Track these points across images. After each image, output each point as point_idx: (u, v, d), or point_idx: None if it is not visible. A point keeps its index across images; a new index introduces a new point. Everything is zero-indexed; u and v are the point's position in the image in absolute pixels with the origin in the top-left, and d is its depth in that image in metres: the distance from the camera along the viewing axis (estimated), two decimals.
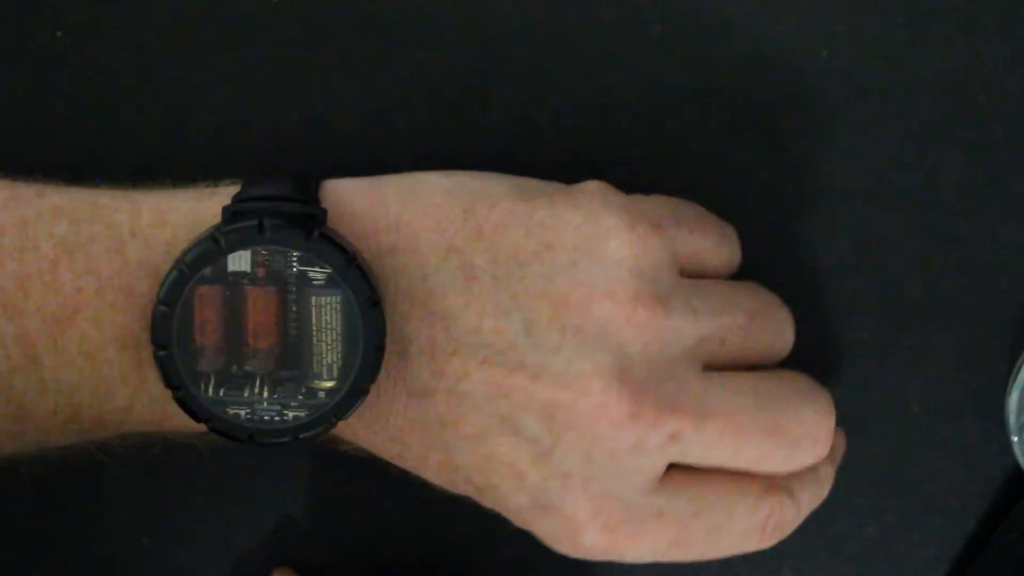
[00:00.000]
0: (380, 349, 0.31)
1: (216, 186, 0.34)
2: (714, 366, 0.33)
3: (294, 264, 0.30)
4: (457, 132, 0.41)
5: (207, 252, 0.30)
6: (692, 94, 0.41)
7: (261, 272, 0.30)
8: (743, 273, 0.39)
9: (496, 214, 0.31)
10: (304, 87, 0.41)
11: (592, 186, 0.33)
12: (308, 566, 0.45)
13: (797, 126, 0.42)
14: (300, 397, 0.31)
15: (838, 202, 0.43)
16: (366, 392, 0.31)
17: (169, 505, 0.45)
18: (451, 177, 0.33)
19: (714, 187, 0.41)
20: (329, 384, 0.31)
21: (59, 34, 0.41)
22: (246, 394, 0.31)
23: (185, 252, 0.30)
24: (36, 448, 0.34)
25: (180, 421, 0.32)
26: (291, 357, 0.31)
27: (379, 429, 0.33)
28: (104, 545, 0.45)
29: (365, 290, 0.30)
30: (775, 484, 0.34)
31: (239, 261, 0.30)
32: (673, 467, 0.33)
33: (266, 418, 0.31)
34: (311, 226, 0.30)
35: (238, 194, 0.32)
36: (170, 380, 0.31)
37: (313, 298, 0.30)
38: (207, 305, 0.30)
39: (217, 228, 0.30)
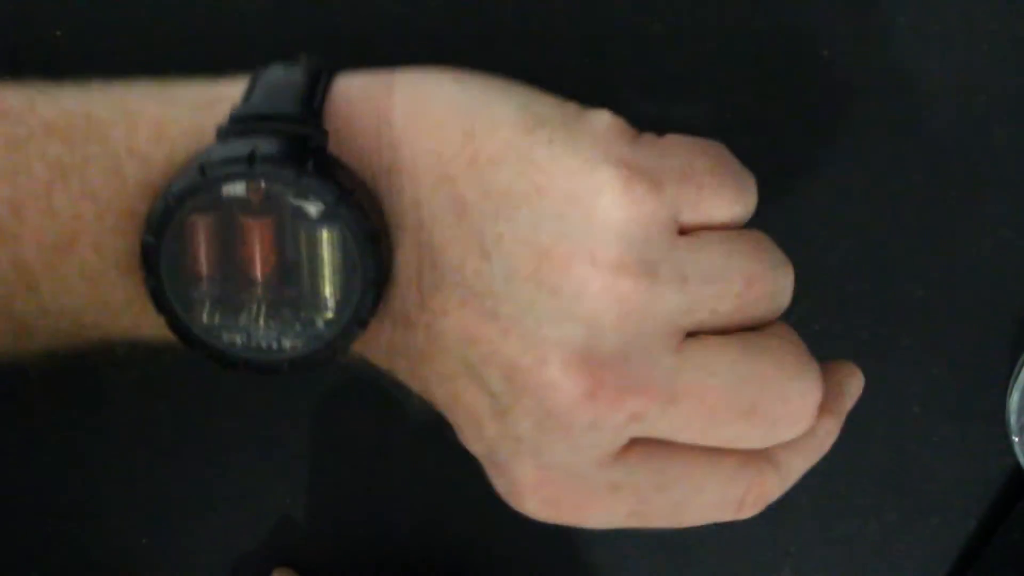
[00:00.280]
0: (379, 283, 0.30)
1: (218, 84, 0.32)
2: (698, 332, 0.31)
3: (290, 194, 0.29)
4: None
5: (195, 184, 0.29)
6: (692, 94, 0.41)
7: (256, 199, 0.29)
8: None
9: (493, 144, 0.30)
10: None
11: (601, 123, 0.31)
12: (308, 566, 0.45)
13: (797, 126, 0.42)
14: (298, 327, 0.30)
15: (838, 202, 0.43)
16: (365, 325, 0.31)
17: (169, 505, 0.45)
18: (462, 84, 0.31)
19: None
20: (328, 316, 0.30)
21: (59, 34, 0.41)
22: (242, 321, 0.30)
23: (172, 182, 0.29)
24: (44, 352, 0.33)
25: None
26: (288, 287, 0.30)
27: (368, 349, 0.33)
28: (104, 545, 0.45)
29: (361, 225, 0.29)
30: (757, 455, 0.31)
31: (233, 188, 0.29)
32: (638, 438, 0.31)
33: (263, 345, 0.30)
34: (305, 157, 0.29)
35: (235, 109, 0.30)
36: (161, 307, 0.30)
37: (309, 230, 0.29)
38: (199, 234, 0.29)
39: (207, 157, 0.29)
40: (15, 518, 0.45)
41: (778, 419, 0.31)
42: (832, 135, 0.42)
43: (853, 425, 0.43)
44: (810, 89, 0.42)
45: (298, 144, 0.29)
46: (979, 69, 0.42)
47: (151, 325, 0.31)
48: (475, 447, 0.33)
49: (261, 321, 0.30)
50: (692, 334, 0.30)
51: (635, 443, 0.30)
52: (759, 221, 0.42)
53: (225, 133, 0.29)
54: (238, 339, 0.30)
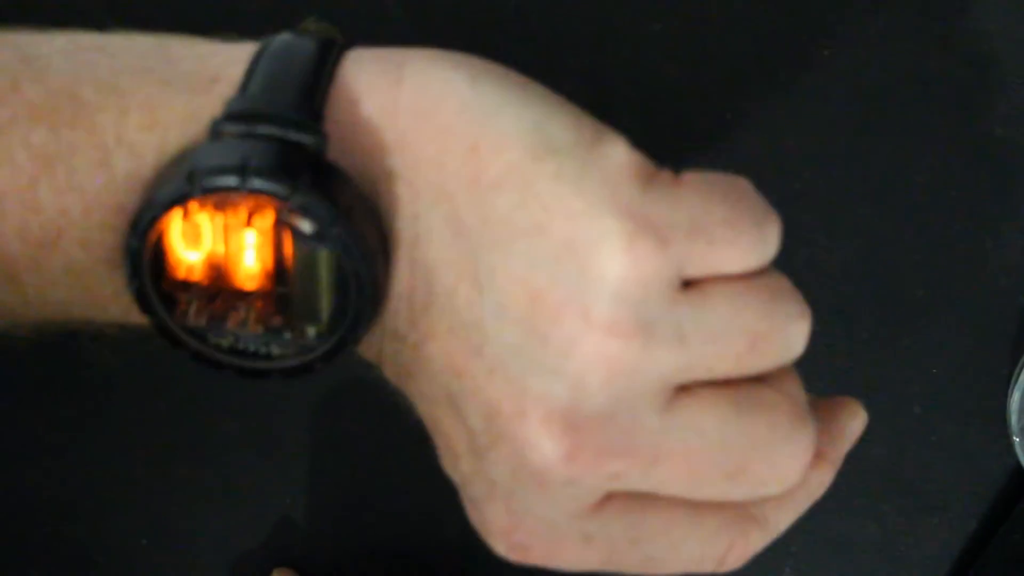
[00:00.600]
0: (375, 302, 0.29)
1: (218, 53, 0.30)
2: (691, 386, 0.29)
3: (283, 210, 0.28)
4: None
5: (182, 193, 0.27)
6: (692, 94, 0.41)
7: (247, 208, 0.28)
8: None
9: (497, 165, 0.28)
10: None
11: (615, 159, 0.28)
12: (308, 566, 0.45)
13: (797, 126, 0.42)
14: (288, 336, 0.30)
15: (838, 202, 0.43)
16: (357, 342, 0.30)
17: (169, 505, 0.45)
18: (476, 87, 0.29)
19: None
20: (320, 328, 0.30)
21: (54, 28, 0.41)
22: (230, 325, 0.29)
23: (160, 186, 0.28)
24: (31, 334, 0.33)
25: None
26: (280, 295, 0.29)
27: (359, 350, 0.32)
28: (104, 545, 0.45)
29: (358, 247, 0.28)
30: (741, 515, 0.30)
31: (222, 195, 0.28)
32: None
33: (251, 350, 0.29)
34: (301, 170, 0.27)
35: (232, 102, 0.28)
36: (146, 308, 0.29)
37: (303, 245, 0.28)
38: (186, 238, 0.28)
39: (196, 162, 0.28)
40: (15, 518, 0.45)
41: (764, 480, 0.29)
42: (832, 135, 0.42)
43: None
44: (810, 89, 0.41)
45: (295, 154, 0.28)
46: (979, 69, 0.42)
47: (140, 315, 0.30)
48: (452, 474, 0.32)
49: (250, 326, 0.29)
50: (683, 387, 0.28)
51: (613, 496, 0.29)
52: None
53: (219, 130, 0.28)
54: (225, 343, 0.30)
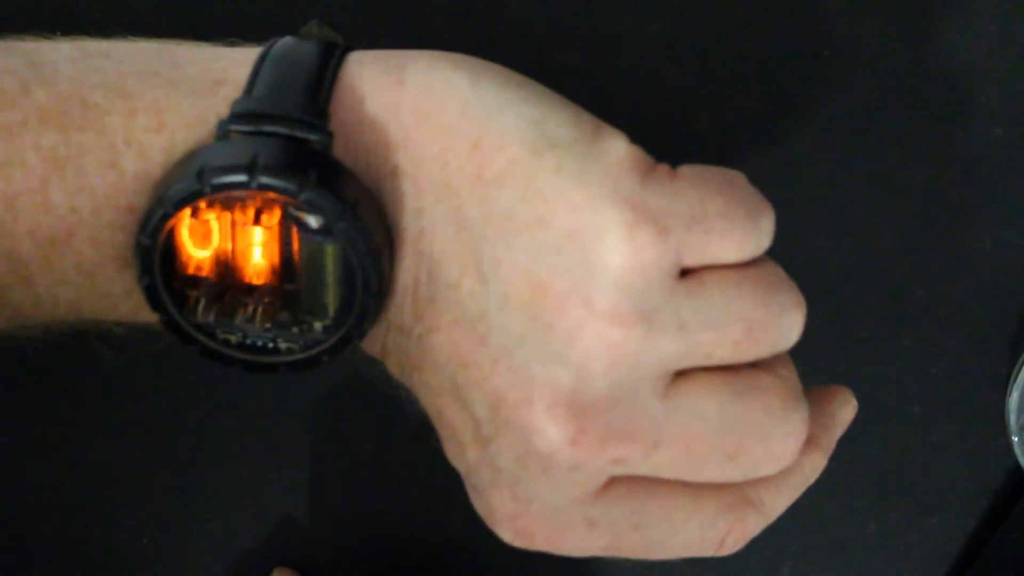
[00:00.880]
0: (380, 295, 0.29)
1: (222, 58, 0.31)
2: (689, 371, 0.30)
3: (291, 206, 0.28)
4: None
5: (192, 191, 0.28)
6: (692, 94, 0.41)
7: (255, 204, 0.28)
8: None
9: (500, 161, 0.29)
10: None
11: (615, 153, 0.29)
12: (308, 566, 0.45)
13: (797, 126, 0.42)
14: (295, 331, 0.30)
15: (838, 202, 0.43)
16: (364, 335, 0.30)
17: (169, 505, 0.45)
18: (476, 86, 0.30)
19: None
20: (327, 322, 0.30)
21: (59, 34, 0.41)
22: (238, 321, 0.30)
23: (169, 184, 0.28)
24: (41, 334, 0.33)
25: None
26: (287, 289, 0.30)
27: (364, 344, 0.33)
28: (104, 545, 0.45)
29: (364, 241, 0.28)
30: (739, 499, 0.31)
31: (232, 192, 0.28)
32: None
33: (259, 345, 0.30)
34: (308, 166, 0.28)
35: (238, 103, 0.29)
36: (156, 305, 0.30)
37: (310, 240, 0.29)
38: (195, 235, 0.29)
39: (205, 160, 0.28)
40: (15, 518, 0.45)
41: (760, 460, 0.30)
42: (832, 135, 0.42)
43: (853, 425, 0.43)
44: (810, 89, 0.41)
45: (301, 151, 0.28)
46: (979, 69, 0.42)
47: (149, 313, 0.30)
48: (456, 463, 0.32)
49: (257, 322, 0.30)
50: (682, 372, 0.30)
51: (615, 481, 0.30)
52: None
53: (225, 130, 0.29)
54: (233, 338, 0.30)
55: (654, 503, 0.30)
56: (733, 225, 0.30)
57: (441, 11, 0.40)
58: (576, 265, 0.28)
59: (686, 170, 0.30)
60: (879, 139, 0.42)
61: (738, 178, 0.31)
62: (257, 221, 0.29)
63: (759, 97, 0.42)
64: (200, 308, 0.30)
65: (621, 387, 0.28)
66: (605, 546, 0.31)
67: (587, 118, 0.30)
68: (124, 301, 0.31)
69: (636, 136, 0.42)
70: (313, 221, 0.29)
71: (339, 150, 0.30)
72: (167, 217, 0.28)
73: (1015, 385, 0.42)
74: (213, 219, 0.29)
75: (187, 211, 0.28)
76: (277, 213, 0.29)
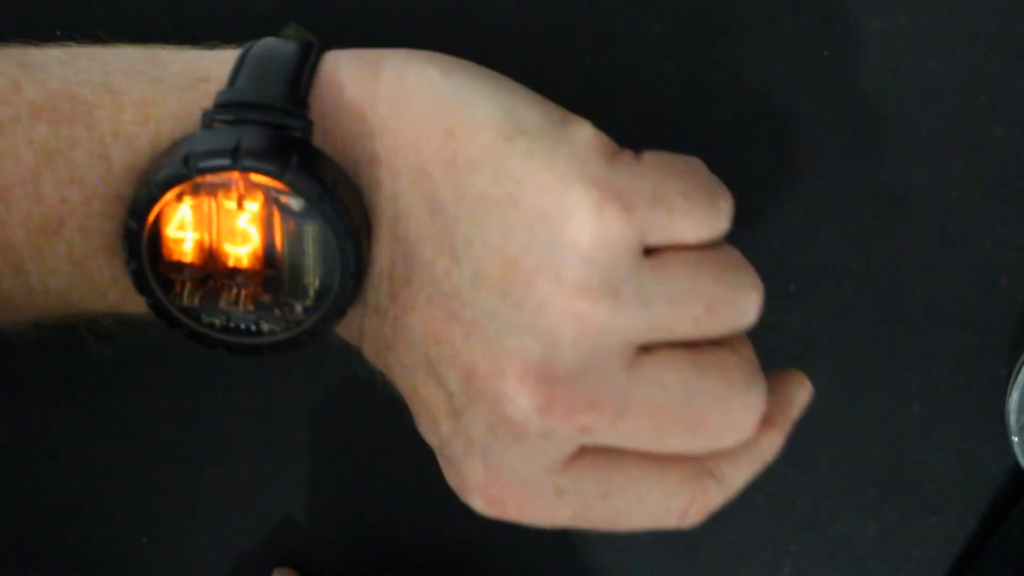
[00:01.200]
0: (358, 275, 0.31)
1: (205, 58, 0.32)
2: (653, 346, 0.31)
3: (273, 189, 0.30)
4: None
5: (178, 174, 0.29)
6: (692, 94, 0.41)
7: (239, 189, 0.30)
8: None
9: (473, 147, 0.30)
10: None
11: (581, 137, 0.31)
12: (308, 566, 0.45)
13: (797, 126, 0.42)
14: (277, 312, 0.31)
15: (838, 202, 0.43)
16: (343, 314, 0.32)
17: (169, 505, 0.45)
18: (448, 77, 0.31)
19: None
20: (307, 303, 0.31)
21: (59, 34, 0.41)
22: (222, 304, 0.31)
23: (156, 169, 0.30)
24: (30, 326, 0.34)
25: None
26: (269, 273, 0.31)
27: (340, 329, 0.34)
28: (104, 545, 0.45)
29: (343, 221, 0.30)
30: (700, 470, 0.32)
31: (216, 177, 0.29)
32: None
33: (242, 327, 0.31)
34: (290, 150, 0.29)
35: (221, 94, 0.30)
36: (143, 289, 0.31)
37: (291, 222, 0.30)
38: (181, 220, 0.30)
39: (191, 146, 0.29)
40: (15, 518, 0.45)
41: (720, 431, 0.32)
42: (832, 135, 0.42)
43: (853, 425, 0.43)
44: (811, 89, 0.42)
45: (283, 136, 0.30)
46: (979, 69, 0.42)
47: (136, 302, 0.32)
48: (429, 438, 0.34)
49: (241, 305, 0.31)
50: (646, 347, 0.31)
51: (584, 451, 0.31)
52: (760, 220, 0.42)
53: (210, 119, 0.30)
54: (217, 321, 0.31)
55: (620, 473, 0.31)
56: (693, 205, 0.31)
57: (441, 11, 0.40)
58: (545, 242, 0.29)
59: (648, 155, 0.32)
60: (879, 139, 0.42)
61: (697, 163, 0.32)
62: (240, 207, 0.30)
63: (759, 97, 0.42)
64: (185, 292, 0.31)
65: (589, 357, 0.30)
66: (573, 515, 0.32)
67: (554, 107, 0.32)
68: (112, 289, 0.32)
69: (636, 135, 0.42)
70: (295, 204, 0.30)
71: (318, 139, 0.31)
72: (153, 200, 0.29)
73: (1015, 385, 0.42)
74: (199, 205, 0.30)
75: (173, 196, 0.29)
76: (260, 198, 0.30)
